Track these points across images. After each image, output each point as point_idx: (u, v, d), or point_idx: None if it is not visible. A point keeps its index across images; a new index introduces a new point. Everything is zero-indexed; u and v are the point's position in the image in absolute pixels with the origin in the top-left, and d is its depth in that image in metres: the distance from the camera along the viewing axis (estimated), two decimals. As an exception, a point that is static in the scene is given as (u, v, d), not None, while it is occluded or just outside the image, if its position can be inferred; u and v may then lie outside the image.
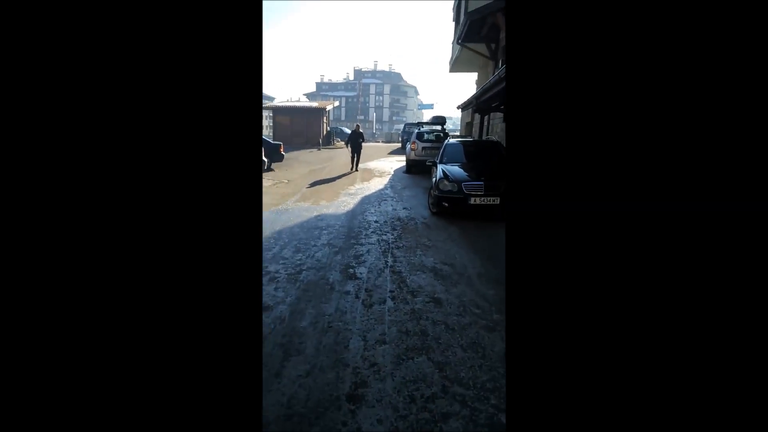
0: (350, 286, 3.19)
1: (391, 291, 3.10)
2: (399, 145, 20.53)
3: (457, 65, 15.23)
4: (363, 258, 3.90)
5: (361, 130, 11.30)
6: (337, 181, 9.26)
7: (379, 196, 7.36)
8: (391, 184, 8.91)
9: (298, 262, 3.76)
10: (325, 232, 4.87)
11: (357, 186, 8.55)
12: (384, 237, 4.67)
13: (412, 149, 10.40)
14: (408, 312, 2.73)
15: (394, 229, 5.05)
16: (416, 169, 10.38)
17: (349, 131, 19.39)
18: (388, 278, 3.37)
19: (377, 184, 8.80)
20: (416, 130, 11.04)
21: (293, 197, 7.19)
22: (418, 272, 3.50)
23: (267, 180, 9.24)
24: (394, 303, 2.88)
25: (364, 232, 4.87)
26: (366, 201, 6.89)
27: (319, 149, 18.15)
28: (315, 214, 5.83)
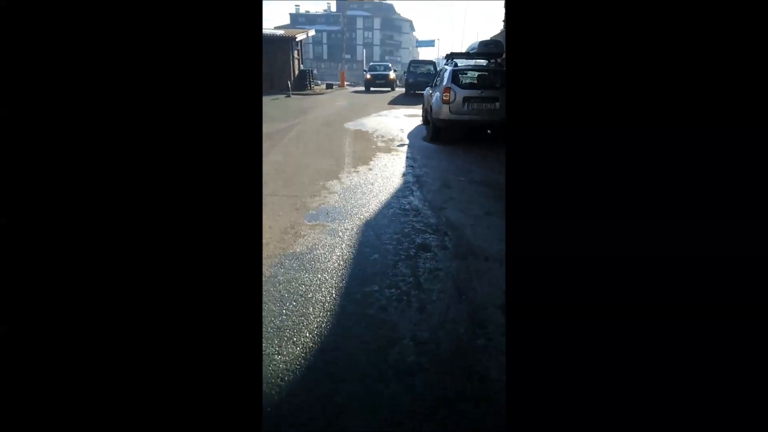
0: None
1: None
2: (402, 90, 15.14)
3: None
4: None
5: None
6: (310, 161, 4.72)
7: (401, 227, 2.96)
8: (414, 171, 4.44)
9: None
10: None
11: (347, 178, 4.07)
12: None
13: (444, 101, 5.82)
14: None
15: None
16: (449, 135, 6.14)
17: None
18: None
19: (389, 173, 4.31)
20: (449, 68, 6.23)
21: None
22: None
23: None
24: None
25: None
26: (375, 249, 2.49)
27: (288, 95, 13.01)
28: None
